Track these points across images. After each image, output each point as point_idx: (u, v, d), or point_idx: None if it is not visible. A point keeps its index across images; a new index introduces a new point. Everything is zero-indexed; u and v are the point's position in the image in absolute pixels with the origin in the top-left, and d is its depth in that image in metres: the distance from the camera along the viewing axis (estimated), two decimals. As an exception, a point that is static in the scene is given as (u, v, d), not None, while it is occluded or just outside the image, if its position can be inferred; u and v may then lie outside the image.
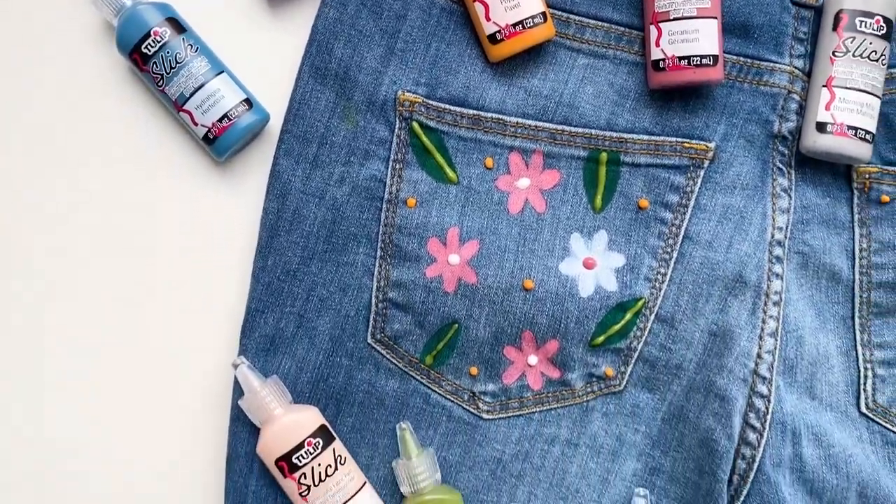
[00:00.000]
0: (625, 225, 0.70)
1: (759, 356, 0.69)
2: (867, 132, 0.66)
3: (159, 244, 0.73)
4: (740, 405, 0.68)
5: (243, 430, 0.70)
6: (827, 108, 0.66)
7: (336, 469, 0.69)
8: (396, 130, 0.69)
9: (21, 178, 0.72)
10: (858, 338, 0.71)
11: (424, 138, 0.69)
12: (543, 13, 0.67)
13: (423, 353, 0.71)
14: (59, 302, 0.72)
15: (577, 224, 0.70)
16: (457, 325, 0.70)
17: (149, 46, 0.69)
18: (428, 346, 0.70)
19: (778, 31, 0.68)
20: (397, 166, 0.70)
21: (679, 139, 0.69)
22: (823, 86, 0.66)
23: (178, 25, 0.69)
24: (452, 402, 0.71)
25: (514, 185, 0.70)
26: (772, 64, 0.69)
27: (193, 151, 0.72)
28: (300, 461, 0.68)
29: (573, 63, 0.70)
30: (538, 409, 0.71)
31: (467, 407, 0.71)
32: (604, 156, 0.70)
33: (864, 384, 0.71)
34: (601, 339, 0.70)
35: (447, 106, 0.69)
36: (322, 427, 0.69)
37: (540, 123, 0.70)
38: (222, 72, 0.70)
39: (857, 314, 0.71)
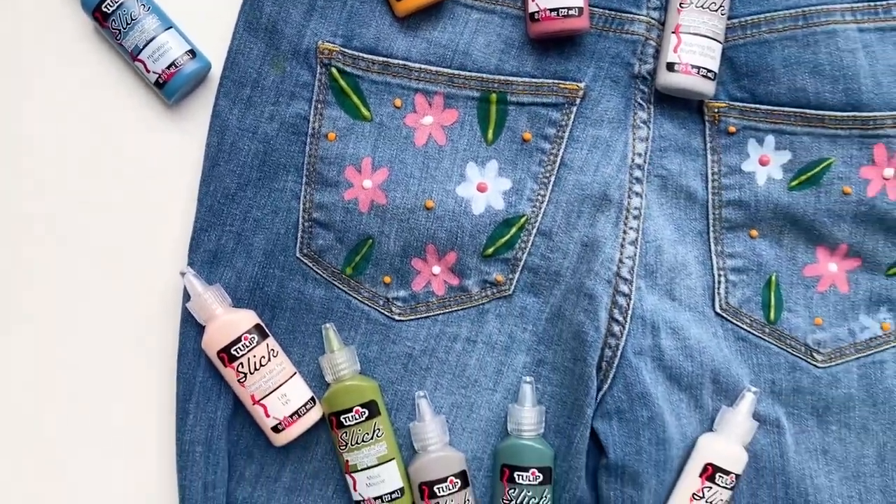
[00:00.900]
0: (512, 154, 0.83)
1: (620, 261, 0.81)
2: (709, 70, 0.78)
3: (120, 173, 0.86)
4: (605, 302, 0.81)
5: (191, 329, 0.82)
6: (675, 50, 0.78)
7: (269, 360, 0.81)
8: (318, 75, 0.82)
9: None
10: (713, 249, 0.84)
11: (342, 82, 0.82)
12: (438, -26, 0.80)
13: (344, 265, 0.83)
14: (28, 220, 0.85)
15: (472, 154, 0.83)
16: (371, 241, 0.82)
17: (108, 6, 0.82)
18: (347, 259, 0.83)
19: None
20: (319, 106, 0.82)
21: (555, 81, 0.82)
22: (672, 32, 0.78)
23: (132, -12, 0.82)
24: (370, 306, 0.84)
25: (420, 122, 0.82)
26: (632, 15, 0.81)
27: (147, 95, 0.85)
28: (238, 353, 0.80)
29: (467, 17, 0.82)
30: (442, 312, 0.84)
31: (382, 311, 0.84)
32: (494, 96, 0.82)
33: (718, 288, 0.84)
34: (491, 250, 0.82)
35: (360, 54, 0.81)
36: (257, 325, 0.81)
37: (440, 69, 0.82)
38: (170, 27, 0.83)
39: (711, 228, 0.83)
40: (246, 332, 0.80)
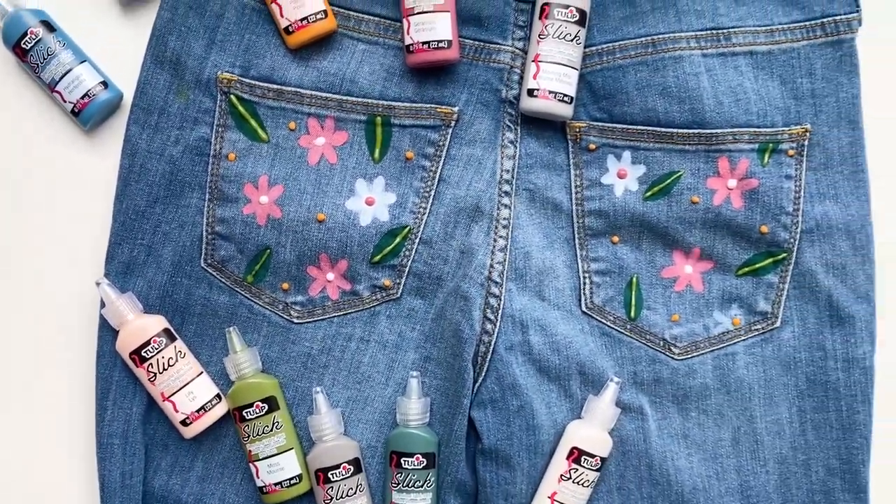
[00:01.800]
0: (397, 171, 0.91)
1: (492, 266, 0.90)
2: (566, 95, 0.87)
3: (42, 194, 0.94)
4: (479, 303, 0.90)
5: (107, 333, 0.91)
6: (534, 77, 0.87)
7: (177, 361, 0.89)
8: (218, 102, 0.90)
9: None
10: (578, 254, 0.92)
11: (240, 108, 0.90)
12: (325, 10, 0.88)
13: (245, 273, 0.91)
14: None
15: (361, 171, 0.91)
16: (269, 251, 0.91)
17: (27, 42, 0.90)
18: (248, 268, 0.91)
19: (502, 21, 0.90)
20: (220, 130, 0.90)
21: (433, 105, 0.90)
22: (532, 61, 0.87)
23: (49, 26, 0.91)
24: (270, 311, 0.92)
25: (313, 143, 0.91)
26: (498, 45, 0.90)
27: (66, 122, 0.94)
28: (147, 354, 0.88)
29: (354, 48, 0.91)
30: (337, 314, 0.92)
31: (282, 314, 0.92)
32: (379, 119, 0.91)
33: (584, 289, 0.92)
34: (378, 257, 0.91)
35: (257, 83, 0.90)
36: (165, 329, 0.89)
37: (329, 95, 0.90)
38: (84, 61, 0.91)
39: (576, 236, 0.92)
40: (155, 336, 0.89)
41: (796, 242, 0.90)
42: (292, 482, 0.90)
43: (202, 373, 0.90)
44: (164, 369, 0.89)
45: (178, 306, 0.91)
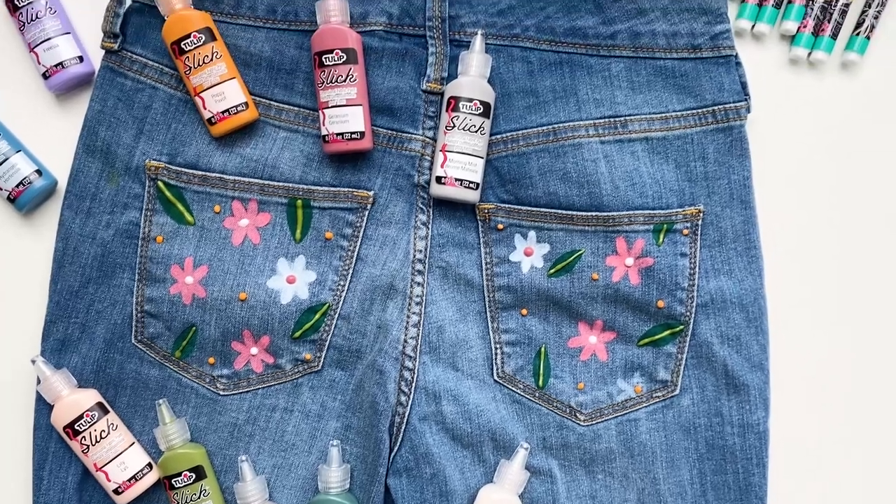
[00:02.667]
0: (317, 251, 0.97)
1: (405, 341, 0.96)
2: (471, 182, 0.93)
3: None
4: (394, 376, 0.95)
5: (44, 407, 0.96)
6: (442, 166, 0.93)
7: (109, 433, 0.95)
8: (147, 188, 0.96)
9: None
10: (490, 326, 0.98)
11: (168, 193, 0.96)
12: (245, 102, 0.94)
13: (173, 349, 0.97)
14: None
15: (283, 251, 0.97)
16: (195, 328, 0.96)
17: (-36, 133, 0.96)
18: (176, 344, 0.96)
19: (413, 112, 0.96)
20: (148, 214, 0.96)
21: (350, 189, 0.96)
22: (440, 150, 0.93)
23: (-15, 118, 0.96)
24: (198, 383, 0.97)
25: (237, 224, 0.96)
26: (409, 134, 0.96)
27: (3, 207, 0.99)
28: (81, 427, 0.94)
29: (276, 136, 0.97)
30: (261, 386, 0.98)
31: (209, 387, 0.97)
32: (300, 202, 0.96)
33: (496, 359, 0.98)
34: (299, 333, 0.96)
35: (183, 169, 0.96)
36: (99, 403, 0.94)
37: (252, 180, 0.96)
38: (20, 150, 0.97)
39: (487, 309, 0.98)
40: (88, 410, 0.94)
41: (692, 315, 0.97)
42: (218, 546, 0.95)
43: (134, 443, 0.95)
44: (97, 441, 0.94)
45: (111, 380, 0.97)
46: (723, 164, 0.96)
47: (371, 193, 0.96)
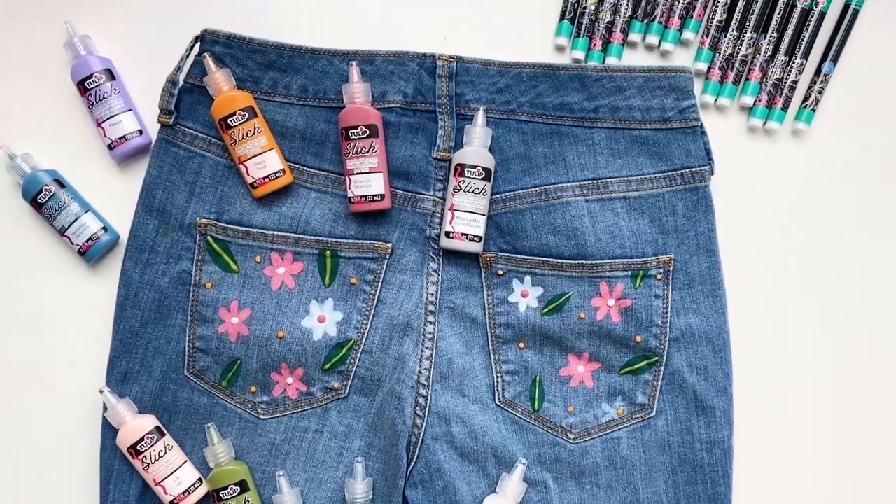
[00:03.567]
0: (343, 294, 1.12)
1: (420, 372, 1.11)
2: (475, 236, 1.08)
3: (55, 318, 1.15)
4: (410, 402, 1.10)
5: (109, 431, 1.11)
6: (450, 222, 1.08)
7: (166, 453, 1.10)
8: (197, 241, 1.11)
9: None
10: (492, 357, 1.13)
11: (215, 246, 1.11)
12: (283, 169, 1.09)
13: (220, 380, 1.12)
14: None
15: (314, 295, 1.12)
16: (239, 362, 1.11)
17: (42, 197, 1.11)
18: (222, 375, 1.12)
19: (425, 176, 1.11)
20: (199, 264, 1.11)
21: (372, 241, 1.12)
22: (448, 209, 1.09)
23: (60, 183, 1.12)
24: (241, 409, 1.12)
25: (275, 272, 1.12)
26: (422, 195, 1.12)
27: (74, 260, 1.15)
28: (142, 448, 1.09)
29: (308, 196, 1.12)
30: (296, 411, 1.13)
31: (251, 412, 1.12)
32: (328, 252, 1.12)
33: (497, 386, 1.13)
34: (328, 365, 1.12)
35: (229, 225, 1.11)
36: (157, 427, 1.10)
37: (288, 234, 1.12)
38: (88, 210, 1.12)
39: (490, 343, 1.13)
40: (148, 433, 1.09)
41: (665, 348, 1.12)
42: (261, 550, 1.11)
43: (187, 461, 1.10)
44: (156, 460, 1.09)
45: (166, 407, 1.12)
46: (690, 218, 1.12)
47: (390, 245, 1.12)
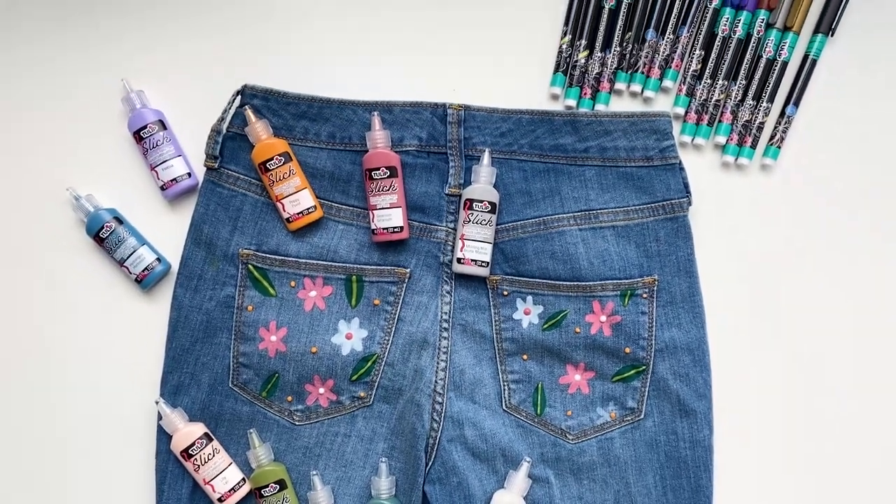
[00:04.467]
0: (368, 314, 1.27)
1: (436, 382, 1.25)
2: (483, 261, 1.23)
3: (115, 339, 1.29)
4: (428, 409, 1.24)
5: (164, 437, 1.25)
6: (461, 250, 1.23)
7: (213, 456, 1.24)
8: (240, 269, 1.26)
9: (23, 313, 1.29)
10: (499, 368, 1.27)
11: (256, 273, 1.26)
12: (314, 205, 1.24)
13: (261, 391, 1.26)
14: (52, 373, 1.29)
15: (342, 315, 1.27)
16: (277, 375, 1.26)
17: (104, 233, 1.26)
18: (262, 387, 1.26)
19: (439, 210, 1.26)
20: (241, 289, 1.26)
21: (392, 267, 1.26)
22: (459, 238, 1.23)
23: (119, 220, 1.27)
24: (279, 416, 1.27)
25: (308, 295, 1.27)
26: (436, 226, 1.26)
27: (131, 287, 1.30)
28: (193, 452, 1.23)
29: (336, 229, 1.27)
30: (327, 417, 1.27)
31: (287, 419, 1.27)
32: (354, 277, 1.27)
33: (504, 394, 1.27)
34: (355, 376, 1.26)
35: (267, 255, 1.26)
36: (205, 433, 1.24)
37: (319, 262, 1.26)
38: (144, 244, 1.27)
39: (497, 355, 1.27)
40: (198, 438, 1.23)
41: (651, 358, 1.25)
42: (298, 540, 1.25)
43: (231, 463, 1.25)
44: (205, 462, 1.23)
45: (213, 415, 1.26)
46: (672, 244, 1.26)
47: (408, 270, 1.27)
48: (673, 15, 1.28)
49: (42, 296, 1.30)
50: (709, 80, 1.29)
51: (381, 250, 1.26)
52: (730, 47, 1.28)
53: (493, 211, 1.23)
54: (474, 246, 1.23)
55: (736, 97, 1.30)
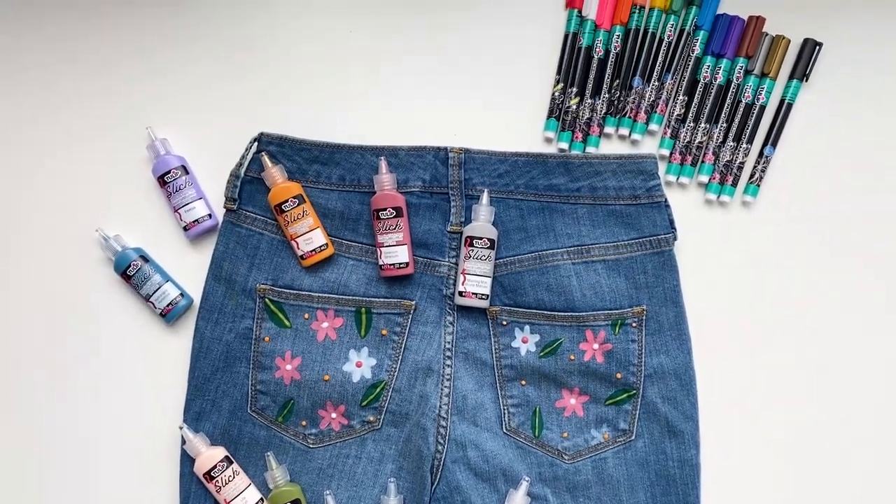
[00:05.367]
0: (376, 343, 1.36)
1: (440, 406, 1.33)
2: (483, 294, 1.32)
3: (142, 368, 1.38)
4: (433, 432, 1.33)
5: (187, 460, 1.34)
6: (462, 283, 1.32)
7: (234, 477, 1.33)
8: (257, 303, 1.35)
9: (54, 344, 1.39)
10: (499, 393, 1.36)
11: (272, 306, 1.35)
12: (326, 243, 1.34)
13: (277, 416, 1.35)
14: (82, 402, 1.38)
15: (352, 344, 1.36)
16: (292, 401, 1.35)
17: (130, 270, 1.36)
18: (279, 412, 1.35)
19: (441, 246, 1.35)
20: (259, 321, 1.35)
21: (399, 300, 1.35)
22: (461, 273, 1.32)
23: (145, 259, 1.36)
24: (294, 440, 1.36)
25: (320, 326, 1.36)
26: (439, 262, 1.35)
27: (156, 320, 1.39)
28: (214, 474, 1.32)
29: (346, 264, 1.36)
30: (339, 441, 1.36)
31: (302, 442, 1.36)
32: (364, 309, 1.35)
33: (504, 417, 1.36)
34: (365, 402, 1.35)
35: (282, 289, 1.35)
36: (226, 456, 1.33)
37: (331, 295, 1.35)
38: (168, 280, 1.37)
39: (497, 381, 1.35)
40: (219, 461, 1.32)
41: (641, 383, 1.34)
42: (312, 556, 1.34)
43: (250, 484, 1.34)
44: (226, 483, 1.32)
45: (233, 439, 1.35)
46: (658, 276, 1.34)
47: (413, 303, 1.35)
48: (658, 63, 1.38)
49: (73, 328, 1.39)
50: (692, 124, 1.38)
51: (389, 284, 1.35)
52: (711, 93, 1.38)
53: (492, 247, 1.32)
54: (475, 280, 1.32)
55: (717, 139, 1.38)
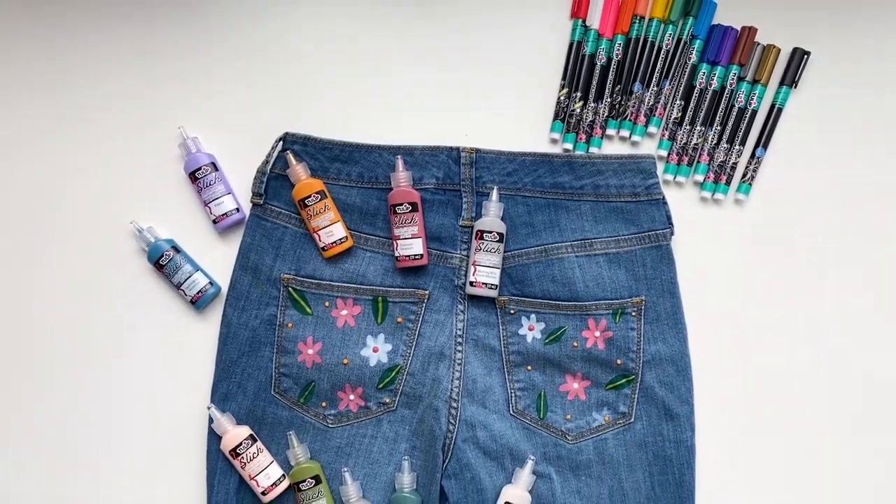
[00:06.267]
0: (392, 330, 1.44)
1: (452, 390, 1.42)
2: (493, 284, 1.40)
3: (172, 352, 1.47)
4: (444, 413, 1.41)
5: (214, 438, 1.42)
6: (473, 274, 1.41)
7: (257, 455, 1.41)
8: (281, 292, 1.44)
9: (91, 333, 1.48)
10: (507, 377, 1.44)
11: (295, 295, 1.44)
12: (346, 236, 1.43)
13: (299, 397, 1.44)
14: (112, 386, 1.47)
15: (369, 331, 1.44)
16: (313, 383, 1.43)
17: (163, 260, 1.44)
18: (300, 394, 1.44)
19: (453, 239, 1.43)
20: (283, 309, 1.44)
21: (413, 289, 1.44)
22: (471, 264, 1.41)
23: (176, 249, 1.45)
24: (314, 420, 1.44)
25: (340, 314, 1.45)
26: (451, 254, 1.43)
27: (186, 307, 1.48)
28: (239, 451, 1.40)
29: (364, 256, 1.44)
30: (356, 421, 1.44)
31: (322, 422, 1.44)
32: (380, 298, 1.44)
33: (511, 400, 1.44)
34: (381, 385, 1.43)
35: (305, 279, 1.44)
36: (251, 435, 1.41)
37: (349, 285, 1.44)
38: (198, 269, 1.45)
39: (505, 367, 1.43)
40: (244, 439, 1.41)
41: (640, 369, 1.42)
42: (331, 529, 1.42)
43: (273, 461, 1.42)
44: (250, 460, 1.41)
45: (257, 419, 1.43)
46: (656, 269, 1.42)
47: (427, 292, 1.44)
48: (656, 70, 1.46)
49: (109, 315, 1.48)
50: (688, 126, 1.46)
51: (404, 275, 1.44)
52: (706, 98, 1.46)
53: (501, 241, 1.41)
54: (485, 271, 1.41)
55: (712, 141, 1.46)
